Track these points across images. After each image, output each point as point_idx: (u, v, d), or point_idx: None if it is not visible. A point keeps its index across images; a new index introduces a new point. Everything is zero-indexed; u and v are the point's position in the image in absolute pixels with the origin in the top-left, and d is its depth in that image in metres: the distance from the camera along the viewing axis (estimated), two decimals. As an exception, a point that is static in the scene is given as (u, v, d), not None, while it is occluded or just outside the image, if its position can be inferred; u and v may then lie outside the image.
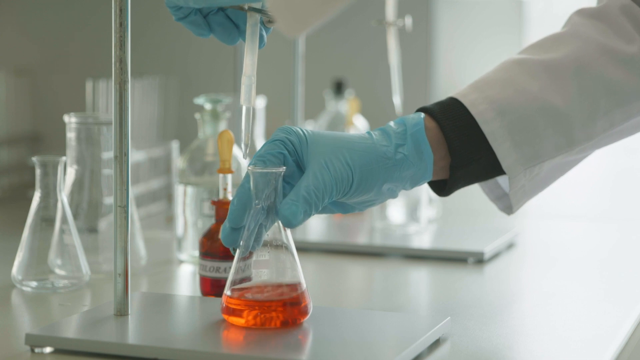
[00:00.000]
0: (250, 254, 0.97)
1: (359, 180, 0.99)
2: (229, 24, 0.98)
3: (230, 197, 1.10)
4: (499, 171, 1.06)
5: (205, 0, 0.95)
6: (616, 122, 1.08)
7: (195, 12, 0.97)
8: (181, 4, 0.95)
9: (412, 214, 1.49)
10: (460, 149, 1.04)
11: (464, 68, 3.67)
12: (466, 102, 1.05)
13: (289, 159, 0.98)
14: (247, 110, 0.96)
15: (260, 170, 0.95)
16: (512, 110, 1.05)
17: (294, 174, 0.99)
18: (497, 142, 1.04)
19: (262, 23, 0.97)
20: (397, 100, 1.45)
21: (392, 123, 1.04)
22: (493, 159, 1.05)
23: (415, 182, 1.03)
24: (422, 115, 1.04)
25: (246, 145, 0.95)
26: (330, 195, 0.98)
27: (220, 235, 0.98)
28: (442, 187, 1.07)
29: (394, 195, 1.03)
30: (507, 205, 1.13)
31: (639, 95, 1.08)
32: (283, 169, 0.96)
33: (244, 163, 1.28)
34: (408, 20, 1.42)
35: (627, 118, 1.09)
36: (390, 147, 1.02)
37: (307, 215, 0.97)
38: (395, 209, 1.59)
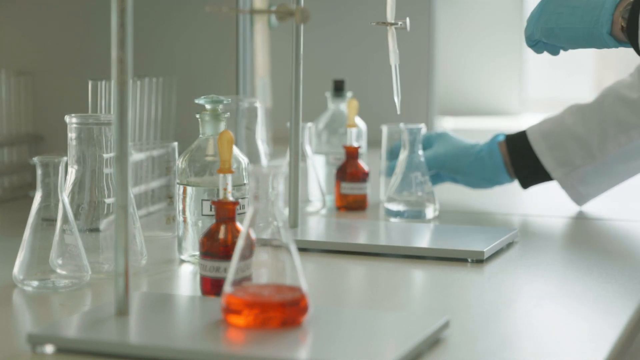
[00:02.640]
0: (251, 254, 0.97)
1: (448, 164, 1.73)
2: None
3: (230, 197, 1.10)
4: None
5: None
6: (622, 143, 1.67)
7: None
8: None
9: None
10: (518, 160, 1.71)
11: (464, 68, 3.67)
12: (527, 131, 1.72)
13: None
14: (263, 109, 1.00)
15: (260, 170, 0.96)
16: (553, 136, 1.69)
17: None
18: (542, 155, 1.69)
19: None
20: (397, 100, 1.45)
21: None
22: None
23: (494, 177, 1.73)
24: (500, 138, 1.73)
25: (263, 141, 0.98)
26: (428, 166, 1.64)
27: None
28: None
29: (484, 184, 1.75)
30: (577, 199, 1.72)
31: (637, 125, 1.66)
32: (284, 169, 0.97)
33: (244, 163, 1.28)
34: (408, 21, 1.42)
35: (629, 141, 1.67)
36: (476, 149, 1.72)
37: None
38: (396, 207, 1.59)
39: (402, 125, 1.60)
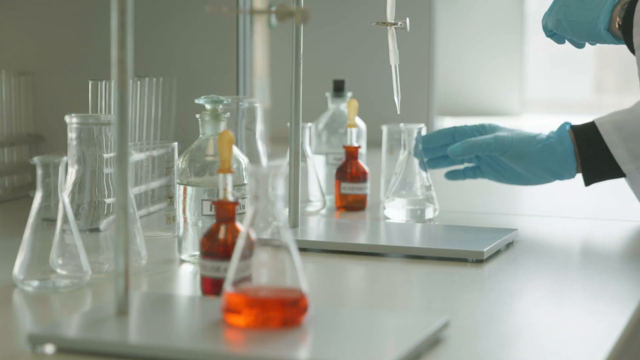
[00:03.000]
0: (251, 254, 0.97)
1: (514, 148, 1.56)
2: None
3: (230, 198, 1.10)
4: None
5: None
6: None
7: None
8: None
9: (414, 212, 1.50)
10: (587, 152, 1.56)
11: (464, 68, 3.67)
12: (596, 122, 1.56)
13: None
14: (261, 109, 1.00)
15: (260, 170, 0.96)
16: (627, 127, 1.54)
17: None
18: (614, 147, 1.54)
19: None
20: (397, 100, 1.45)
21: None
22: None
23: (560, 167, 1.56)
24: (568, 127, 1.57)
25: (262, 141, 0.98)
26: (488, 148, 1.56)
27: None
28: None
29: (547, 177, 1.58)
30: None
31: None
32: (283, 169, 0.97)
33: (244, 163, 1.28)
34: (408, 21, 1.42)
35: None
36: (543, 136, 1.57)
37: (464, 152, 1.58)
38: (396, 207, 1.60)
39: (402, 125, 1.60)
